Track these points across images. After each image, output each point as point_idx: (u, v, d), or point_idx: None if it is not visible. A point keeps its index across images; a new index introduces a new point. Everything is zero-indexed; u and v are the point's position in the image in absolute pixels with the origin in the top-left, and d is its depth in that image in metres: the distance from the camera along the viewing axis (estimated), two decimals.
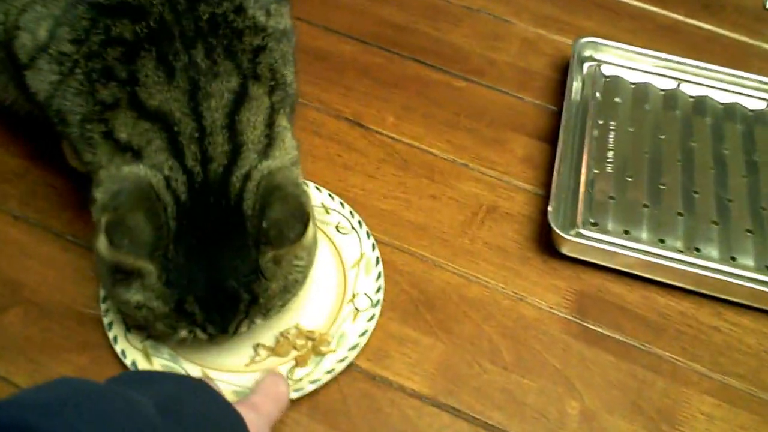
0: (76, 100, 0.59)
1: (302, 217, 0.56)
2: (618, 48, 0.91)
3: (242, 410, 0.51)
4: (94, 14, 0.58)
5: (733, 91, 0.89)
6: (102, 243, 0.53)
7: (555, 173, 0.77)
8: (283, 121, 0.60)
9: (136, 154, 0.56)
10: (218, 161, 0.56)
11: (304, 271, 0.61)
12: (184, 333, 0.58)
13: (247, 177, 0.56)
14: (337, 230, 0.73)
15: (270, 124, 0.59)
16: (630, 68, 0.91)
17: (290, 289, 0.60)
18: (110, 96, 0.57)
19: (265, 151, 0.58)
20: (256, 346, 0.64)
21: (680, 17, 1.03)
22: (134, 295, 0.55)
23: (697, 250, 0.74)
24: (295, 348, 0.64)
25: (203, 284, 0.55)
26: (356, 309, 0.67)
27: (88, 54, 0.58)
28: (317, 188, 0.75)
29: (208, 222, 0.55)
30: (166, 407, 0.43)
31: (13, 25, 0.62)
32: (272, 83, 0.61)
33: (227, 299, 0.56)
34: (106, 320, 0.64)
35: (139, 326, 0.63)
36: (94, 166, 0.58)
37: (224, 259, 0.55)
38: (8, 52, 0.65)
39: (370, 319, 0.66)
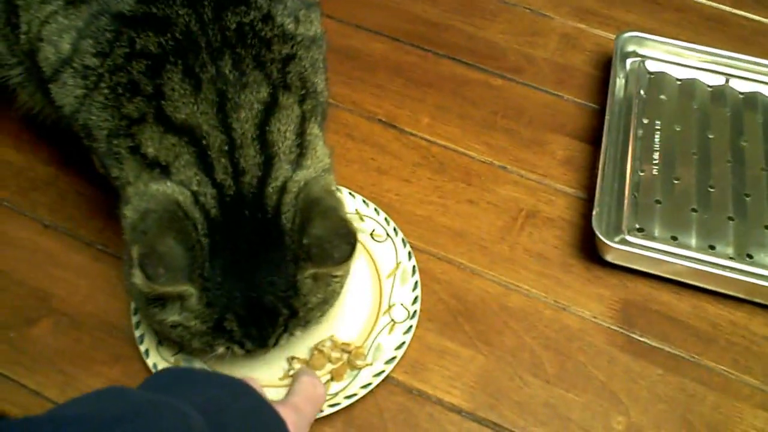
0: (102, 114, 0.57)
1: (348, 237, 0.54)
2: (663, 43, 0.87)
3: (283, 412, 0.50)
4: (118, 26, 0.56)
5: None
6: (138, 277, 0.51)
7: (599, 176, 0.74)
8: (314, 130, 0.58)
9: (164, 170, 0.54)
10: (251, 173, 0.54)
11: (342, 282, 0.60)
12: (221, 350, 0.56)
13: (283, 189, 0.54)
14: (372, 238, 0.71)
15: (301, 133, 0.57)
16: (676, 64, 0.87)
17: (328, 300, 0.58)
18: (136, 110, 0.55)
19: (298, 161, 0.56)
20: (291, 359, 0.63)
21: (727, 8, 0.98)
22: (171, 316, 0.54)
23: (750, 256, 0.70)
24: (330, 361, 0.62)
25: (241, 301, 0.53)
26: (393, 320, 0.65)
27: (112, 67, 0.56)
28: (351, 194, 0.73)
29: (244, 236, 0.53)
30: (210, 414, 0.42)
31: (36, 37, 0.61)
32: (303, 92, 0.59)
33: (266, 315, 0.55)
34: (137, 333, 0.63)
35: (173, 340, 0.61)
36: (121, 181, 0.57)
37: (262, 275, 0.54)
38: (33, 63, 0.63)
39: (407, 331, 0.64)
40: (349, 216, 0.56)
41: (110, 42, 0.56)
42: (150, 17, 0.56)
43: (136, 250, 0.50)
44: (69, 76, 0.58)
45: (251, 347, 0.57)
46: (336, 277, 0.58)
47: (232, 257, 0.53)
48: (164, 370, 0.55)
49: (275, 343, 0.58)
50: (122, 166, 0.56)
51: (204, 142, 0.54)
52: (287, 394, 0.57)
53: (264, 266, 0.54)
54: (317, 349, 0.63)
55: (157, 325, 0.56)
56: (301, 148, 0.56)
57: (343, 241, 0.54)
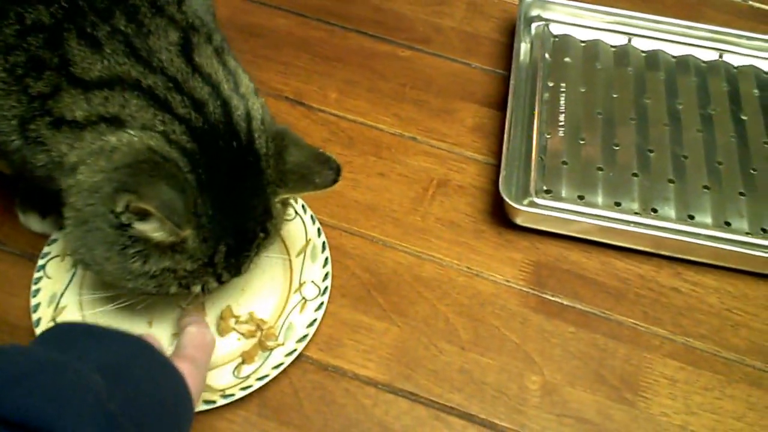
0: (6, 102, 0.54)
1: (331, 163, 0.56)
2: (565, 5, 0.88)
3: (180, 364, 0.50)
4: (1, 3, 0.53)
5: (686, 43, 0.87)
6: (145, 225, 0.50)
7: (505, 140, 0.74)
8: (231, 61, 0.57)
9: (114, 121, 0.51)
10: (210, 104, 0.53)
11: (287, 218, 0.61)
12: (197, 289, 0.55)
13: (249, 116, 0.54)
14: None
15: (224, 63, 0.56)
16: (579, 26, 0.88)
17: (283, 223, 0.60)
18: (47, 86, 0.52)
19: (237, 89, 0.55)
20: None
21: None
22: (161, 263, 0.52)
23: (654, 210, 0.72)
24: (238, 332, 0.61)
25: (231, 232, 0.53)
26: (304, 298, 0.64)
27: (4, 48, 0.53)
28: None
29: (224, 166, 0.52)
30: (108, 372, 0.42)
31: None
32: (205, 30, 0.57)
33: (246, 241, 0.55)
34: (38, 330, 0.61)
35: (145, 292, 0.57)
36: (50, 165, 0.54)
37: (245, 203, 0.54)
38: None
39: (318, 308, 0.64)
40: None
41: None
42: None
43: (128, 201, 0.48)
44: None
45: (227, 278, 0.56)
46: (288, 208, 0.60)
47: (217, 189, 0.52)
48: (62, 325, 0.51)
49: (245, 271, 0.57)
50: (48, 147, 0.53)
51: (143, 84, 0.51)
52: (177, 347, 0.56)
53: (246, 194, 0.54)
54: (222, 318, 0.62)
55: (133, 279, 0.54)
56: (233, 77, 0.56)
57: (325, 167, 0.56)
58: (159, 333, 0.62)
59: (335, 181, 0.57)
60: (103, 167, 0.51)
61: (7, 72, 0.53)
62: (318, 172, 0.56)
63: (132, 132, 0.51)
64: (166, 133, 0.51)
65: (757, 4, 0.97)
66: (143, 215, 0.50)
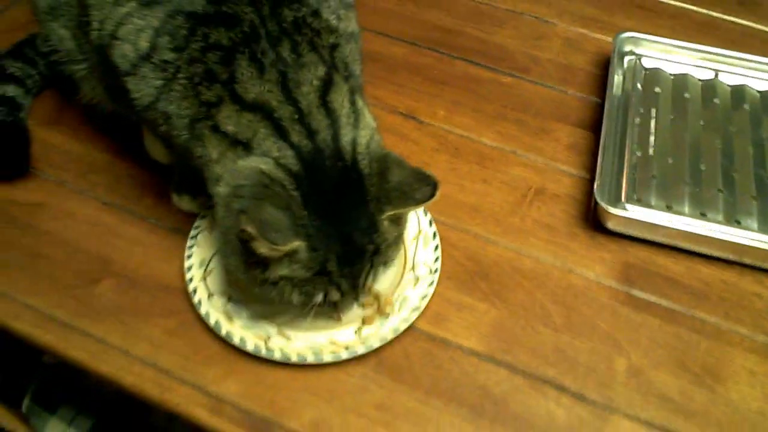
0: (183, 103, 0.65)
1: (428, 179, 0.64)
2: (657, 42, 0.96)
3: None
4: (192, 23, 0.64)
5: None
6: (259, 245, 0.59)
7: (600, 155, 0.82)
8: (361, 101, 0.67)
9: (246, 146, 0.62)
10: (323, 132, 0.62)
11: (405, 228, 0.68)
12: (319, 297, 0.63)
13: (355, 142, 0.63)
14: None
15: (353, 102, 0.66)
16: (669, 61, 0.96)
17: (398, 242, 0.67)
18: (214, 96, 0.63)
19: (355, 125, 0.65)
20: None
21: (717, 14, 1.08)
22: (279, 272, 0.61)
23: (738, 222, 0.78)
24: (361, 305, 0.70)
25: (338, 241, 0.61)
26: (417, 277, 0.73)
27: (188, 60, 0.64)
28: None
29: (328, 183, 0.62)
30: None
31: (110, 35, 0.68)
32: (346, 74, 0.68)
33: (356, 252, 0.63)
34: (190, 287, 0.71)
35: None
36: (204, 159, 0.65)
37: (349, 216, 0.62)
38: (103, 58, 0.72)
39: (430, 285, 0.72)
40: None
41: (186, 38, 0.64)
42: (221, 14, 0.64)
43: (244, 224, 0.58)
44: (148, 69, 0.65)
45: (346, 287, 0.64)
46: (403, 221, 0.67)
47: (322, 204, 0.61)
48: None
49: (364, 282, 0.65)
50: (204, 144, 0.64)
51: (275, 114, 0.62)
52: None
53: (350, 208, 0.62)
54: None
55: (258, 285, 0.63)
56: (355, 114, 0.65)
57: (423, 184, 0.63)
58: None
59: (432, 195, 0.63)
60: (231, 188, 0.62)
61: (187, 79, 0.64)
62: (418, 189, 0.63)
63: (253, 158, 0.62)
64: (277, 159, 0.61)
65: None
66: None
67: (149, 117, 0.69)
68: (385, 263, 0.67)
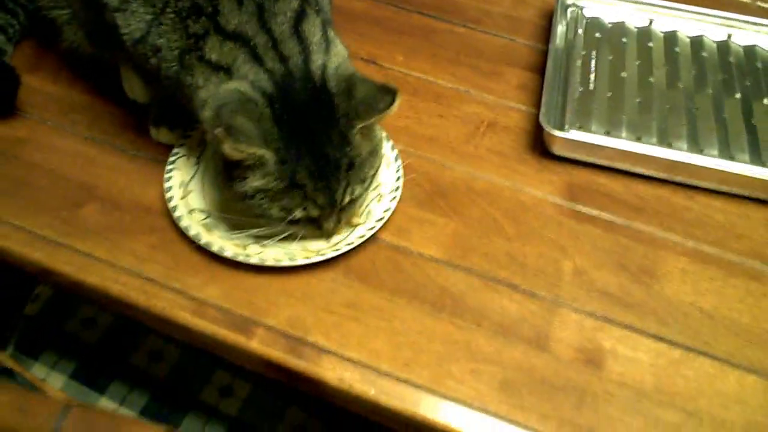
0: (172, 36, 0.71)
1: (389, 89, 0.70)
2: None
3: None
4: None
5: (700, 27, 1.02)
6: (226, 146, 0.65)
7: (545, 92, 0.90)
8: (332, 33, 0.74)
9: (227, 71, 0.68)
10: (295, 57, 0.69)
11: (379, 144, 0.74)
12: (298, 212, 0.69)
13: (324, 66, 0.70)
14: None
15: (324, 33, 0.72)
16: (608, 10, 1.04)
17: (374, 154, 0.73)
18: (201, 28, 0.69)
19: (326, 52, 0.71)
20: None
21: None
22: (254, 183, 0.68)
23: (669, 144, 0.86)
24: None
25: (309, 156, 0.68)
26: (380, 194, 0.79)
27: None
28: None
29: (299, 103, 0.68)
30: None
31: None
32: (317, 8, 0.74)
33: (330, 167, 0.69)
34: (170, 204, 0.77)
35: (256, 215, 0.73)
36: (192, 86, 0.71)
37: (320, 133, 0.69)
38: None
39: (392, 200, 0.79)
40: None
41: None
42: None
43: (219, 131, 0.64)
44: (138, 5, 0.71)
45: (323, 202, 0.70)
46: (374, 133, 0.73)
47: (292, 121, 0.67)
48: None
49: (342, 199, 0.71)
50: (193, 73, 0.70)
51: (252, 42, 0.68)
52: None
53: (321, 125, 0.69)
54: None
55: (241, 198, 0.70)
56: (327, 43, 0.72)
57: (385, 94, 0.70)
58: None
59: (393, 102, 0.70)
60: (214, 109, 0.68)
61: (175, 13, 0.70)
62: (381, 99, 0.70)
63: (232, 82, 0.68)
64: (253, 81, 0.68)
65: (763, 4, 1.13)
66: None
67: (139, 51, 0.74)
68: (363, 180, 0.73)
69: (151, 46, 0.72)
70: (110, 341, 1.06)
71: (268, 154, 0.67)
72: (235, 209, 0.74)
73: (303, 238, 0.75)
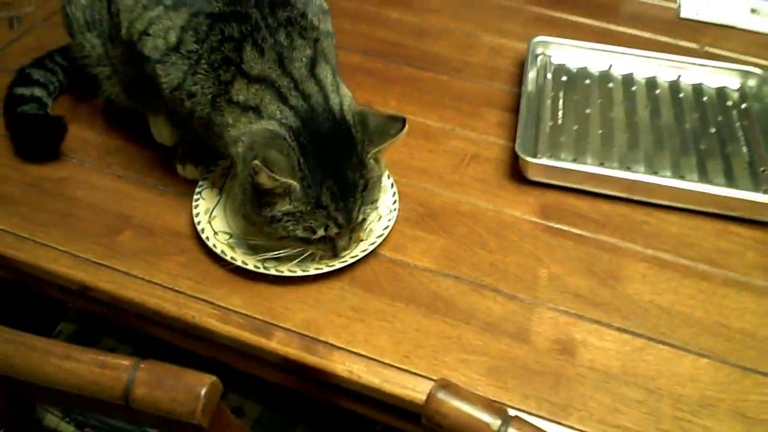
0: (206, 83, 0.83)
1: (398, 118, 0.84)
2: (562, 44, 1.19)
3: None
4: (211, 21, 0.83)
5: (654, 69, 1.17)
6: (262, 177, 0.76)
7: (519, 127, 1.03)
8: (338, 78, 0.87)
9: (256, 111, 0.81)
10: (315, 96, 0.82)
11: (382, 173, 0.87)
12: (320, 231, 0.81)
13: (341, 103, 0.84)
14: None
15: (334, 76, 0.86)
16: (572, 57, 1.19)
17: (380, 182, 0.86)
18: (230, 75, 0.82)
19: (337, 92, 0.85)
20: None
21: (612, 26, 1.32)
22: (282, 207, 0.79)
23: (628, 168, 1.00)
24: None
25: (331, 179, 0.80)
26: (379, 215, 0.92)
27: (209, 49, 0.83)
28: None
29: (322, 134, 0.81)
30: None
31: (139, 32, 0.87)
32: (326, 57, 0.88)
33: (349, 188, 0.81)
34: (199, 228, 0.89)
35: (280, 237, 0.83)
36: (222, 127, 0.83)
37: (341, 158, 0.81)
38: (130, 50, 0.90)
39: (389, 220, 0.91)
40: None
41: (206, 32, 0.83)
42: (234, 13, 0.83)
43: (256, 163, 0.75)
44: (177, 58, 0.84)
45: (342, 221, 0.81)
46: (382, 162, 0.86)
47: (317, 151, 0.80)
48: None
49: (357, 216, 0.83)
50: (223, 113, 0.83)
51: (276, 84, 0.81)
52: None
53: (341, 152, 0.81)
54: None
55: (269, 222, 0.81)
56: (336, 85, 0.85)
57: (395, 121, 0.84)
58: None
59: (403, 128, 0.84)
60: (246, 144, 0.81)
61: (209, 65, 0.83)
62: (392, 126, 0.84)
63: (262, 122, 0.81)
64: (280, 119, 0.81)
65: (709, 49, 1.28)
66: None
67: (176, 96, 0.86)
68: (373, 202, 0.85)
69: (187, 92, 0.85)
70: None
71: (296, 182, 0.79)
72: (256, 233, 0.86)
73: (317, 258, 0.86)
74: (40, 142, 1.00)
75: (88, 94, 1.08)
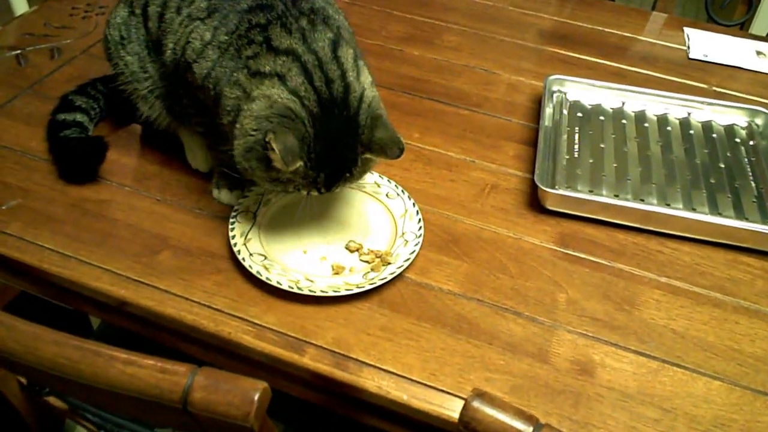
0: (230, 63, 0.89)
1: (399, 144, 0.89)
2: (577, 81, 1.25)
3: None
4: (240, 15, 0.90)
5: (665, 107, 1.23)
6: (275, 157, 0.82)
7: (538, 159, 1.08)
8: (361, 61, 0.92)
9: (281, 78, 0.86)
10: (336, 83, 0.87)
11: (369, 169, 0.93)
12: (303, 192, 0.89)
13: (361, 98, 0.88)
14: (387, 196, 1.03)
15: (355, 59, 0.91)
16: (587, 95, 1.25)
17: (363, 176, 0.93)
18: (252, 51, 0.88)
19: (358, 78, 0.90)
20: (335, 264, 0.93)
21: (625, 66, 1.38)
22: (285, 175, 0.86)
23: (642, 200, 1.04)
24: (366, 262, 0.93)
25: (329, 167, 0.87)
26: (405, 240, 0.96)
27: (237, 38, 0.89)
28: (369, 172, 1.06)
29: (335, 126, 0.86)
30: None
31: (182, 46, 0.94)
32: (347, 39, 0.92)
33: (340, 175, 0.88)
34: (235, 249, 0.93)
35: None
36: (239, 100, 0.87)
37: (342, 150, 0.87)
38: (176, 68, 0.95)
39: (416, 245, 0.95)
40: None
41: (236, 24, 0.89)
42: (260, 5, 0.90)
43: (273, 143, 0.81)
44: (210, 50, 0.90)
45: (324, 191, 0.89)
46: (370, 166, 0.92)
47: (326, 140, 0.86)
48: None
49: (332, 190, 0.90)
50: (241, 86, 0.87)
51: (302, 59, 0.86)
52: None
53: (344, 146, 0.87)
54: (347, 246, 0.95)
55: (270, 182, 0.88)
56: (357, 69, 0.90)
57: (396, 146, 0.88)
58: (311, 257, 0.94)
59: (399, 155, 0.89)
60: (266, 110, 0.85)
61: (234, 48, 0.89)
62: (391, 149, 0.89)
63: (286, 92, 0.85)
64: (303, 99, 0.86)
65: (717, 89, 1.34)
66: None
67: (205, 85, 0.91)
68: (352, 183, 0.92)
69: (214, 78, 0.90)
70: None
71: (302, 165, 0.85)
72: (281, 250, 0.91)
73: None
74: (81, 163, 1.05)
75: (125, 120, 1.13)
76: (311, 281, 0.90)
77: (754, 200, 1.06)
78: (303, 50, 0.87)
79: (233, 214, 0.98)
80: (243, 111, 0.87)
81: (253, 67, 0.87)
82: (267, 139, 0.82)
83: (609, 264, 0.99)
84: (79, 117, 1.09)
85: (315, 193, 0.90)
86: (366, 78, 0.92)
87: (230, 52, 0.89)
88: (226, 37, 0.90)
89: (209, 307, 0.89)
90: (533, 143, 1.17)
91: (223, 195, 1.02)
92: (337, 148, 0.87)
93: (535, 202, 1.06)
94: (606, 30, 1.51)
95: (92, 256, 0.95)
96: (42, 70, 1.28)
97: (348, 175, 0.89)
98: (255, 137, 0.85)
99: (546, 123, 1.17)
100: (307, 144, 0.85)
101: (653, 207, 1.03)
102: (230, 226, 0.96)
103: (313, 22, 0.90)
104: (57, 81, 1.25)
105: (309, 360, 0.85)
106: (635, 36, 1.50)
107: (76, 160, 1.05)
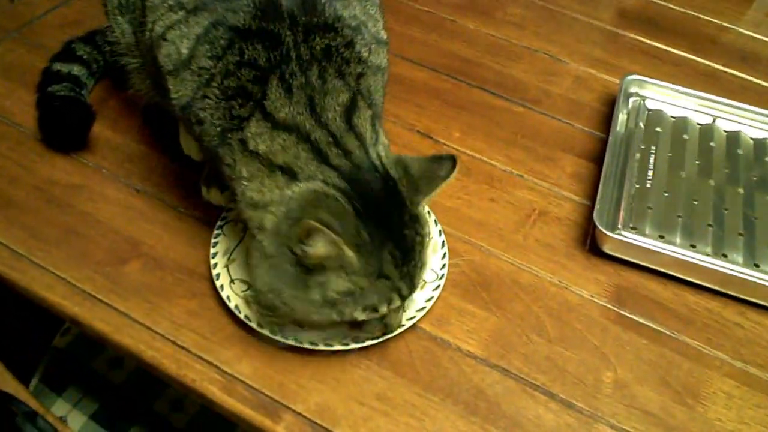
0: (215, 113, 0.70)
1: (446, 156, 0.71)
2: (660, 86, 1.03)
3: None
4: (231, 36, 0.69)
5: (764, 129, 1.00)
6: (316, 244, 0.63)
7: (601, 184, 0.88)
8: (378, 126, 0.72)
9: (289, 173, 0.67)
10: (357, 152, 0.68)
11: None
12: (383, 308, 0.67)
13: (379, 155, 0.69)
14: None
15: (373, 125, 0.71)
16: (671, 104, 1.02)
17: (429, 239, 0.71)
18: (246, 112, 0.68)
19: (375, 144, 0.70)
20: None
21: (719, 66, 1.15)
22: (339, 286, 0.65)
23: (725, 255, 0.84)
24: None
25: (391, 242, 0.66)
26: (424, 281, 0.78)
27: (224, 72, 0.69)
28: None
29: (372, 193, 0.67)
30: None
31: (159, 36, 0.74)
32: (369, 101, 0.73)
33: (408, 249, 0.67)
34: (214, 272, 0.76)
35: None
36: (232, 170, 0.70)
37: (395, 217, 0.67)
38: (152, 57, 0.77)
39: (435, 289, 0.77)
40: None
41: (223, 49, 0.69)
42: (262, 31, 0.69)
43: (307, 220, 0.62)
44: (188, 74, 0.71)
45: (406, 291, 0.68)
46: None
47: (371, 214, 0.66)
48: None
49: (417, 285, 0.70)
50: (234, 157, 0.69)
51: (312, 138, 0.67)
52: None
53: (393, 210, 0.67)
54: None
55: (317, 311, 0.67)
56: (375, 135, 0.71)
57: (443, 161, 0.71)
58: None
59: (454, 167, 0.70)
60: (283, 213, 0.66)
61: (220, 90, 0.69)
62: (439, 168, 0.71)
63: (301, 184, 0.66)
64: (324, 179, 0.66)
65: None
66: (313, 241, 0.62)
67: (186, 116, 0.74)
68: (425, 264, 0.71)
69: (195, 115, 0.72)
70: (134, 384, 1.06)
71: (354, 254, 0.64)
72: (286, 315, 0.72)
73: (362, 339, 0.73)
74: (58, 129, 0.90)
75: (121, 86, 0.95)
76: (299, 326, 0.73)
77: None
78: (311, 126, 0.68)
79: (219, 224, 0.81)
80: (254, 233, 0.69)
81: (248, 140, 0.68)
82: (304, 223, 0.62)
83: (673, 335, 0.79)
84: (76, 69, 0.93)
85: (398, 302, 0.69)
86: (383, 140, 0.72)
87: (214, 92, 0.69)
88: (210, 63, 0.69)
89: (174, 343, 0.74)
90: (597, 159, 0.96)
91: (213, 195, 0.85)
92: (387, 216, 0.67)
93: (590, 240, 0.87)
94: (701, 17, 1.26)
95: (48, 258, 0.79)
96: (35, 9, 1.10)
97: (418, 238, 0.69)
98: (277, 250, 0.67)
99: (617, 134, 0.96)
100: (351, 222, 0.65)
101: (737, 268, 0.82)
102: (213, 240, 0.79)
103: (324, 75, 0.69)
104: (49, 25, 1.08)
105: (283, 430, 0.69)
106: (734, 27, 1.25)
107: (54, 125, 0.89)
